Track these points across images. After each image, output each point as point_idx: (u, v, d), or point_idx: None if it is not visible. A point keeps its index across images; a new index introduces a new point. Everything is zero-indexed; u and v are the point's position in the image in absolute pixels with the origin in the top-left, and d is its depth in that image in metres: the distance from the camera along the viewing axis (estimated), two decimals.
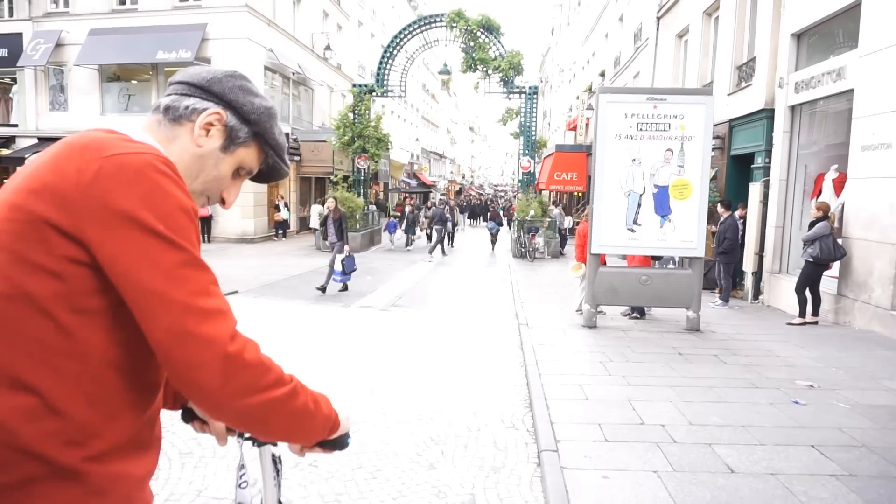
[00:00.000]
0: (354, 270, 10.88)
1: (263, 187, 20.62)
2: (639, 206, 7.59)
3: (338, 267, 10.47)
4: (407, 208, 21.68)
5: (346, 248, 10.67)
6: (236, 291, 10.17)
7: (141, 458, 1.09)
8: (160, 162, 0.99)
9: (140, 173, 0.96)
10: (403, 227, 20.78)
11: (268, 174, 1.30)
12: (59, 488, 0.95)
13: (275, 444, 1.38)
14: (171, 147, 1.12)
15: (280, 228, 21.58)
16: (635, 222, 7.61)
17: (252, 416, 1.03)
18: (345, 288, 10.92)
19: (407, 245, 20.57)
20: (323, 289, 10.56)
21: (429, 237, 21.47)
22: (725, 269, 9.98)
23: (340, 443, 1.26)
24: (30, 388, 0.94)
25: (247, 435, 1.34)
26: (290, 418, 1.09)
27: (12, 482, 0.92)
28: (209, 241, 19.36)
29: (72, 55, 20.04)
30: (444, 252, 19.62)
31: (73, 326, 0.96)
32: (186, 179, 1.08)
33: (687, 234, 7.54)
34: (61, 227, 0.93)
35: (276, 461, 1.40)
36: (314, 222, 20.77)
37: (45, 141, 20.82)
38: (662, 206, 7.55)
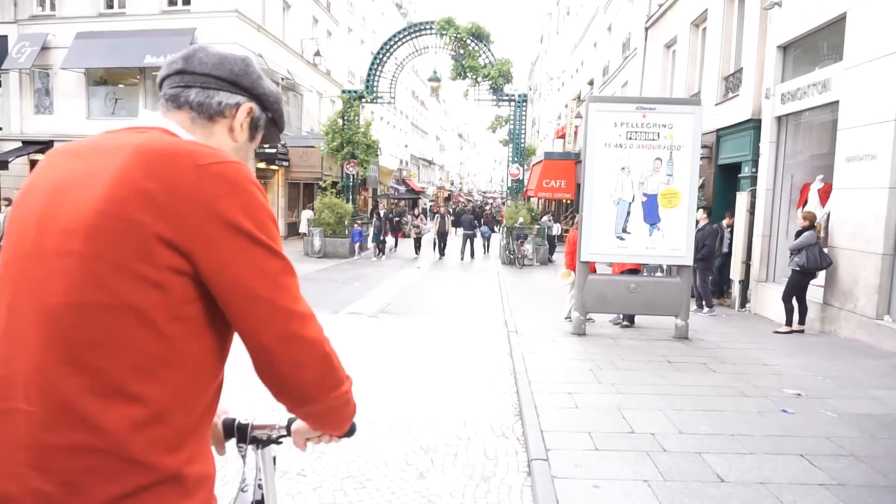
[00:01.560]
0: None
1: None
2: (628, 214, 7.62)
3: None
4: (381, 213, 20.48)
5: None
6: None
7: (210, 458, 1.11)
8: (246, 170, 1.02)
9: (237, 184, 0.98)
10: (371, 235, 19.73)
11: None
12: (163, 493, 0.96)
13: (279, 444, 1.44)
14: (210, 143, 1.11)
15: None
16: (624, 230, 7.64)
17: (330, 409, 1.14)
18: None
19: (376, 255, 19.28)
20: None
21: (416, 246, 20.93)
22: (702, 275, 9.99)
23: (352, 430, 1.32)
24: (136, 398, 0.94)
25: (249, 438, 1.41)
26: (347, 410, 1.20)
27: (126, 493, 0.93)
28: None
29: (58, 58, 19.87)
30: (441, 254, 19.93)
31: (174, 335, 0.97)
32: None
33: (676, 243, 7.58)
34: (166, 237, 0.93)
35: (274, 462, 1.47)
36: (303, 227, 20.63)
37: (30, 144, 20.60)
38: (651, 214, 7.58)
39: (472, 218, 21.39)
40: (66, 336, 0.93)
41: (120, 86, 21.05)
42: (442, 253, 20.55)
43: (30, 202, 1.03)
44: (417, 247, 21.11)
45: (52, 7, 20.76)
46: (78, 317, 0.93)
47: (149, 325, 0.94)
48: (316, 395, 1.08)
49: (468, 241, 20.11)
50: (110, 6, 20.39)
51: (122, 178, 0.94)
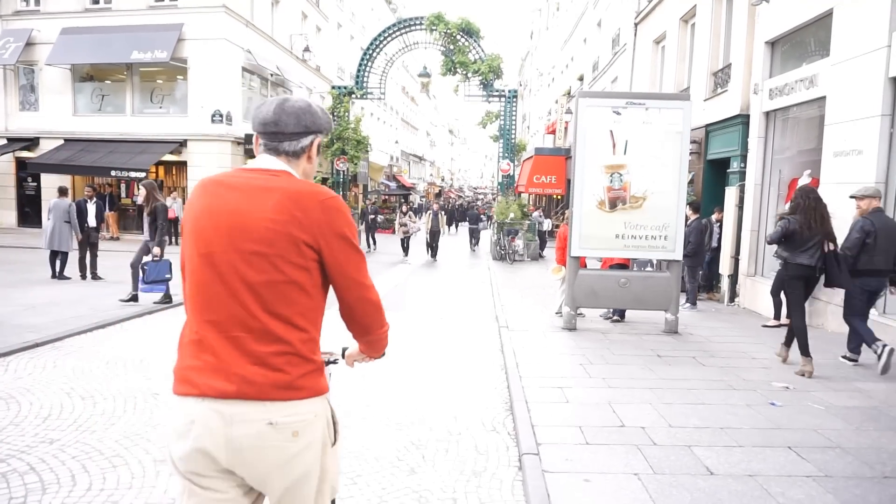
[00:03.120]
0: (167, 280, 8.48)
1: None
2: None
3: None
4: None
5: (156, 249, 8.41)
6: None
7: None
8: (342, 201, 1.74)
9: (341, 210, 1.71)
10: None
11: None
12: (317, 375, 1.74)
13: (335, 364, 2.13)
14: (297, 169, 1.80)
15: None
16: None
17: (377, 339, 1.94)
18: (134, 298, 8.76)
19: None
20: (134, 298, 8.79)
21: (404, 247, 18.80)
22: (690, 272, 9.99)
23: (383, 354, 2.06)
24: (302, 328, 1.70)
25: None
26: (385, 341, 1.98)
27: (305, 373, 1.69)
28: (177, 244, 18.98)
29: (43, 54, 19.65)
30: (434, 255, 18.66)
31: (315, 295, 1.72)
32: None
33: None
34: (307, 242, 1.65)
35: (329, 377, 2.15)
36: None
37: (15, 141, 20.37)
38: None
39: (477, 213, 24.37)
40: (263, 298, 1.64)
41: (107, 82, 20.82)
42: (434, 254, 18.75)
43: (214, 218, 1.67)
44: (405, 247, 18.91)
45: (37, 2, 20.50)
46: (269, 288, 1.64)
47: (304, 291, 1.68)
48: (371, 330, 1.89)
49: (473, 233, 22.95)
50: (96, 1, 20.15)
51: (280, 208, 1.64)
